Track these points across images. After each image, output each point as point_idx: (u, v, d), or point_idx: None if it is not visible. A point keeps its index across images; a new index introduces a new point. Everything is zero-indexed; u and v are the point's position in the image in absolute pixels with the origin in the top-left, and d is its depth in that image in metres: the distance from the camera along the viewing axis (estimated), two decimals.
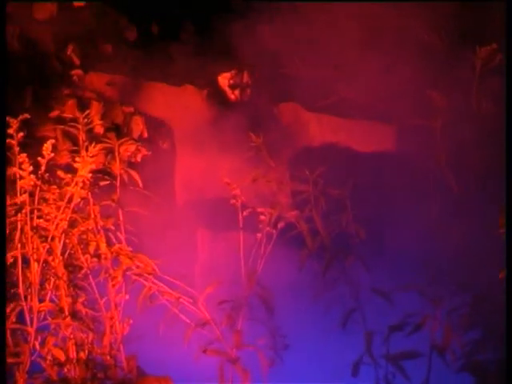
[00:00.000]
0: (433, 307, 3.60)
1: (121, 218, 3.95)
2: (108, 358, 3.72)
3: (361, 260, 4.19)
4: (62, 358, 3.57)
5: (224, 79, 4.92)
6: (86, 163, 3.61)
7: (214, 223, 4.83)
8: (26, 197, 3.54)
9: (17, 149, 3.52)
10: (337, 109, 5.02)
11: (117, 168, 4.02)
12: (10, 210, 3.53)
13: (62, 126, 4.20)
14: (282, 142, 4.90)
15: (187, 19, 5.21)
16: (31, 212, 3.55)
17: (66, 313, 3.61)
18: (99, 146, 3.74)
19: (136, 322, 3.81)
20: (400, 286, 3.70)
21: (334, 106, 5.04)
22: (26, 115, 3.56)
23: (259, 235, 3.97)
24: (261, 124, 4.88)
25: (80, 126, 3.96)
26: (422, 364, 3.64)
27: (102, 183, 3.88)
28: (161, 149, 5.12)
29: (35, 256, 3.56)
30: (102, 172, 3.93)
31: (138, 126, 5.13)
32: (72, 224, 3.65)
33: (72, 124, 3.98)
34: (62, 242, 3.61)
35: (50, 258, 3.59)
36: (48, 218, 3.59)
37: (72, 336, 3.64)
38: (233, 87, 4.91)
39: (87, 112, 4.05)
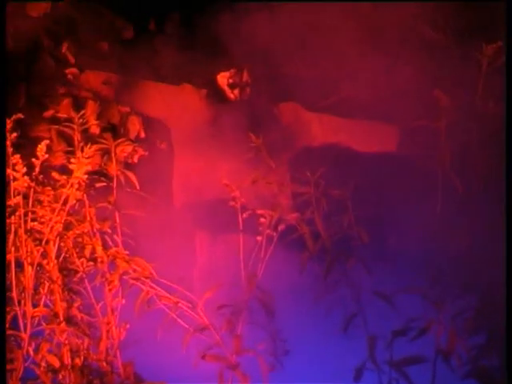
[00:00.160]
0: (436, 311, 3.57)
1: (117, 220, 3.93)
2: (104, 364, 3.69)
3: (362, 262, 4.15)
4: (57, 364, 3.54)
5: (223, 78, 4.89)
6: (82, 164, 3.60)
7: (212, 226, 4.80)
8: (19, 199, 3.52)
9: (10, 149, 3.50)
10: (338, 109, 5.00)
11: (113, 169, 4.01)
12: None
13: (57, 126, 4.17)
14: (283, 142, 4.88)
15: (174, 11, 5.19)
16: (25, 214, 3.54)
17: (61, 318, 3.59)
18: (95, 146, 3.73)
19: (133, 327, 3.78)
20: (403, 289, 3.68)
21: (336, 106, 5.03)
22: (20, 115, 3.56)
23: (259, 238, 3.96)
24: (261, 124, 4.86)
25: (75, 126, 3.94)
26: (427, 370, 3.61)
27: (97, 185, 3.87)
28: (158, 149, 5.11)
29: (29, 260, 3.54)
30: (98, 173, 3.93)
31: (135, 126, 5.12)
32: (67, 227, 3.63)
33: (67, 124, 3.96)
34: (56, 246, 3.60)
35: (45, 262, 3.57)
36: (42, 220, 3.58)
37: (67, 342, 3.62)
38: (232, 86, 4.87)
39: (83, 112, 4.03)
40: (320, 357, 4.26)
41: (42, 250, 3.56)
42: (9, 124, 3.50)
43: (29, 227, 3.55)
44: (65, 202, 3.58)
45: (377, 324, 3.71)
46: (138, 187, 4.05)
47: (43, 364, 3.56)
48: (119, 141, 4.12)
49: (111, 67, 5.00)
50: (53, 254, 3.58)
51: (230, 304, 3.85)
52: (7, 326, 3.50)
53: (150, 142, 5.09)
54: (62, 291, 3.62)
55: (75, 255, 3.66)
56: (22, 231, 3.52)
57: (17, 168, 3.49)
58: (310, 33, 4.96)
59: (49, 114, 4.90)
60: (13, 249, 3.52)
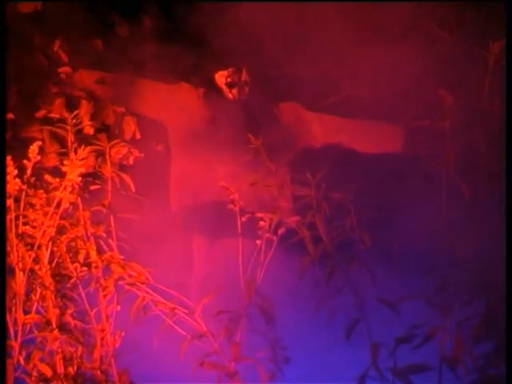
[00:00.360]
0: (442, 317, 3.56)
1: (112, 224, 3.92)
2: (98, 373, 3.67)
3: (365, 267, 4.14)
4: (49, 373, 3.52)
5: (221, 77, 4.87)
6: (75, 166, 3.60)
7: (210, 229, 4.78)
8: (10, 202, 3.51)
9: None
10: (340, 108, 4.99)
11: (108, 171, 3.99)
12: None
13: (50, 127, 4.17)
14: (283, 143, 4.86)
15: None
16: (16, 218, 3.53)
17: (54, 325, 3.58)
18: (89, 148, 3.74)
19: (128, 334, 3.77)
20: (407, 295, 3.66)
21: (337, 106, 5.01)
22: (11, 115, 3.55)
23: (259, 242, 3.96)
24: (260, 124, 4.85)
25: (68, 127, 3.93)
26: (432, 378, 3.60)
27: (92, 187, 3.86)
28: (154, 151, 5.09)
29: (20, 265, 3.53)
30: (92, 176, 3.91)
31: (130, 127, 5.10)
32: (60, 231, 3.63)
33: (60, 125, 3.95)
34: (49, 250, 3.59)
35: (37, 267, 3.56)
36: (34, 224, 3.57)
37: (60, 350, 3.60)
38: (230, 85, 4.85)
39: (76, 112, 4.01)
40: (321, 364, 4.27)
41: (33, 255, 3.55)
42: None
43: (20, 231, 3.54)
44: (58, 206, 3.58)
45: (381, 331, 3.71)
46: (133, 190, 4.03)
47: (35, 373, 3.54)
48: (114, 142, 4.10)
49: (105, 65, 4.99)
50: (45, 259, 3.57)
51: (228, 310, 3.84)
52: None
53: (145, 143, 5.05)
54: (55, 297, 3.61)
55: (68, 260, 3.64)
56: (13, 235, 3.52)
57: (8, 170, 3.48)
58: (310, 30, 4.95)
59: (41, 114, 4.86)
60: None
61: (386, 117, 4.90)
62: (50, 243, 3.58)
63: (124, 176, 4.03)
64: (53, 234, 3.58)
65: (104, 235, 3.81)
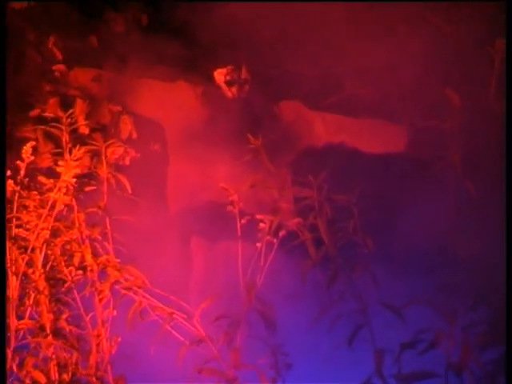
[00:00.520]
0: (447, 322, 3.54)
1: (108, 226, 3.91)
2: (94, 379, 3.67)
3: (369, 271, 4.11)
4: (43, 380, 3.51)
5: (220, 75, 4.88)
6: (70, 167, 3.60)
7: (209, 231, 4.79)
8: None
9: None
10: (343, 107, 4.99)
11: (103, 172, 3.99)
12: None
13: (44, 127, 4.17)
14: (283, 143, 4.87)
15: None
16: (9, 220, 3.52)
17: (48, 331, 3.57)
18: (84, 148, 3.75)
19: (125, 339, 3.76)
20: (412, 301, 3.65)
21: (340, 105, 5.01)
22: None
23: (259, 245, 3.93)
24: (260, 124, 4.85)
25: (63, 127, 3.92)
26: None
27: (87, 189, 3.87)
28: (151, 151, 5.08)
29: (13, 268, 3.52)
30: (88, 176, 3.93)
31: (127, 126, 5.09)
32: (54, 233, 3.62)
33: (54, 124, 3.95)
34: (43, 254, 3.58)
35: (30, 271, 3.56)
36: (28, 226, 3.57)
37: (54, 356, 3.59)
38: (229, 83, 4.85)
39: (71, 111, 4.01)
40: (324, 371, 4.26)
41: (27, 258, 3.55)
42: None
43: (13, 234, 3.54)
44: (52, 207, 3.58)
45: (384, 337, 3.69)
46: (129, 191, 4.03)
47: (28, 381, 3.52)
48: (110, 142, 4.10)
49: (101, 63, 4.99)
50: (39, 263, 3.57)
51: (227, 315, 3.82)
52: None
53: (142, 143, 5.04)
54: (49, 302, 3.60)
55: (63, 264, 3.64)
56: (5, 238, 3.49)
57: None
58: (312, 28, 4.96)
59: (35, 113, 4.86)
60: None
61: (389, 116, 4.92)
62: (44, 246, 3.58)
63: (120, 177, 4.03)
64: (47, 236, 3.58)
65: (99, 238, 3.81)
